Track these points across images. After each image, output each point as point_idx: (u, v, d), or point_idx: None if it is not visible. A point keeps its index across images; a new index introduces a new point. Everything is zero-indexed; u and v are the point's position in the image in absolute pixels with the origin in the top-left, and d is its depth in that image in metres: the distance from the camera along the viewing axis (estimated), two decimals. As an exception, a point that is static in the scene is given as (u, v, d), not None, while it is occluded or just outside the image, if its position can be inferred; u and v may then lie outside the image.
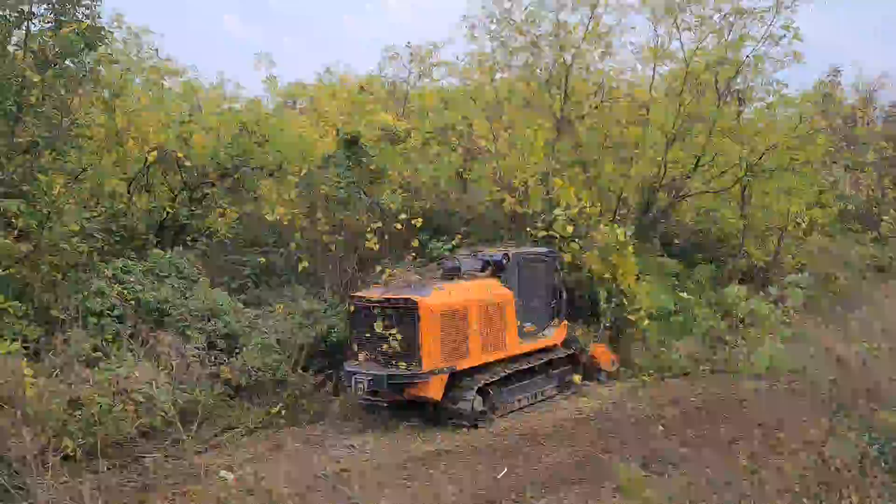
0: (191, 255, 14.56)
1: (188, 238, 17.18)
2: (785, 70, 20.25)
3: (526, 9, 18.76)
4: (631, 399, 13.76)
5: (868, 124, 36.55)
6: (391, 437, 11.65)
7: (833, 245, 25.54)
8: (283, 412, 12.33)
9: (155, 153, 15.38)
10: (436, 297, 11.79)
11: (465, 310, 12.09)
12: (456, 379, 12.03)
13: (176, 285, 13.82)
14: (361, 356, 12.14)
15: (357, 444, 11.23)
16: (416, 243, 15.24)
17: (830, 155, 29.73)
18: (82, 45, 12.89)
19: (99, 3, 13.73)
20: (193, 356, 12.30)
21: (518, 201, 17.46)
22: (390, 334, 11.67)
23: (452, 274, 13.04)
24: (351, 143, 15.14)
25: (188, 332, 12.75)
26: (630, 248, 18.48)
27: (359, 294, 12.66)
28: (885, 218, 32.25)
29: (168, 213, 17.30)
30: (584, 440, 11.17)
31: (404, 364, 11.63)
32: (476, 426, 11.91)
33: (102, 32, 14.38)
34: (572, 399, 13.98)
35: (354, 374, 11.84)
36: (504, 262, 13.37)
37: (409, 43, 23.40)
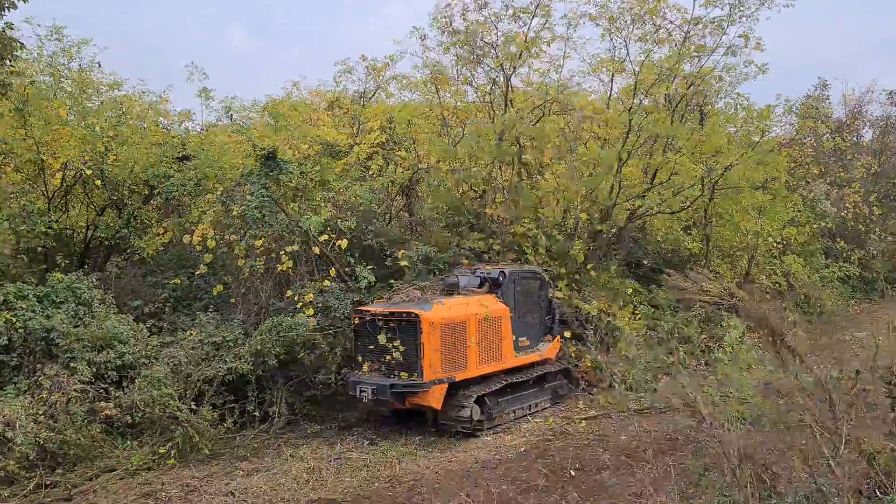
0: (92, 279, 13.56)
1: (120, 259, 16.32)
2: (775, 88, 19.55)
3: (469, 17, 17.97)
4: (560, 437, 12.69)
5: (857, 139, 35.55)
6: (282, 480, 10.65)
7: (803, 267, 24.34)
8: (173, 452, 11.47)
9: (61, 171, 14.45)
10: (436, 311, 12.49)
11: (464, 323, 12.76)
12: (455, 389, 12.63)
13: (73, 312, 12.89)
14: (365, 366, 12.72)
15: (238, 492, 10.23)
16: (332, 272, 14.33)
17: (808, 171, 28.82)
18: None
19: (5, 13, 13.00)
20: (76, 391, 11.41)
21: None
22: (393, 346, 12.24)
23: (452, 289, 13.71)
24: (267, 159, 14.19)
25: (73, 364, 11.79)
26: (589, 268, 17.79)
27: (364, 308, 13.19)
28: (872, 236, 31.16)
29: (91, 233, 16.45)
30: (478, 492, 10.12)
31: (406, 374, 12.25)
32: (474, 434, 12.59)
33: (13, 44, 13.71)
34: (497, 436, 12.94)
35: (359, 383, 12.42)
36: (500, 278, 14.05)
37: (363, 56, 22.48)
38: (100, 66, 18.97)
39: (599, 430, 12.97)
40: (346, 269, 14.90)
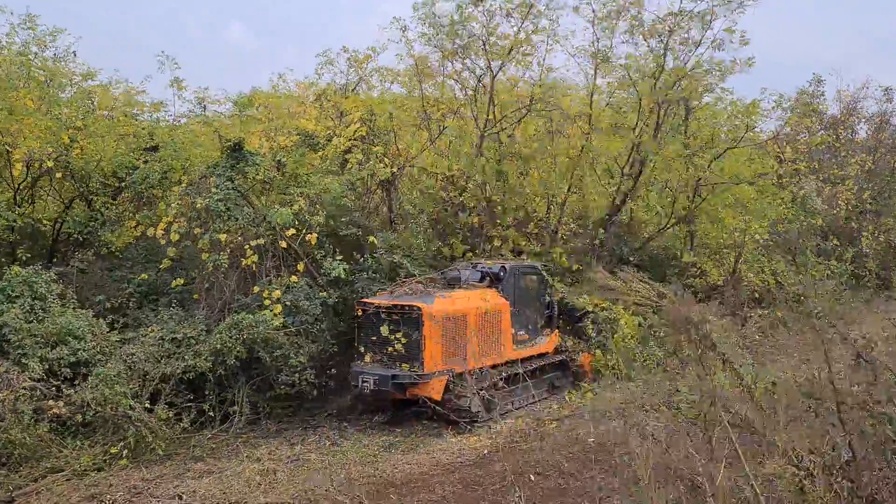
0: (51, 273, 13.19)
1: (88, 253, 15.92)
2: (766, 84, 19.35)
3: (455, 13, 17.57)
4: (527, 439, 12.31)
5: (852, 136, 35.05)
6: (234, 482, 10.30)
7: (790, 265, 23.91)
8: (125, 452, 11.13)
9: (21, 162, 14.09)
10: (438, 304, 12.76)
11: (465, 317, 13.04)
12: (455, 381, 12.75)
13: (28, 306, 12.53)
14: (368, 357, 12.85)
15: (186, 495, 9.89)
16: (300, 266, 13.97)
17: (796, 168, 28.35)
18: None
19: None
20: (24, 388, 11.06)
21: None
22: (395, 338, 12.38)
23: (454, 283, 14.09)
24: (233, 151, 13.81)
25: (24, 360, 11.44)
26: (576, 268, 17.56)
27: (367, 300, 13.37)
28: (864, 234, 30.71)
29: (59, 226, 16.12)
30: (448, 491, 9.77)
31: (407, 365, 12.44)
32: (474, 425, 12.74)
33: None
34: (462, 438, 12.58)
35: (361, 373, 12.59)
36: (501, 273, 14.32)
37: (345, 47, 22.04)
38: (75, 55, 18.67)
39: (570, 431, 12.61)
40: (315, 263, 14.51)
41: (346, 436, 12.69)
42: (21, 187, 15.80)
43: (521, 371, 13.57)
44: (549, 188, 17.62)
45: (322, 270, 14.18)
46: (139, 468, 10.90)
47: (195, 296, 13.67)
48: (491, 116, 17.24)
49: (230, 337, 12.56)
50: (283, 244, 13.88)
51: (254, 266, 13.65)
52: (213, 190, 13.54)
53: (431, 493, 9.62)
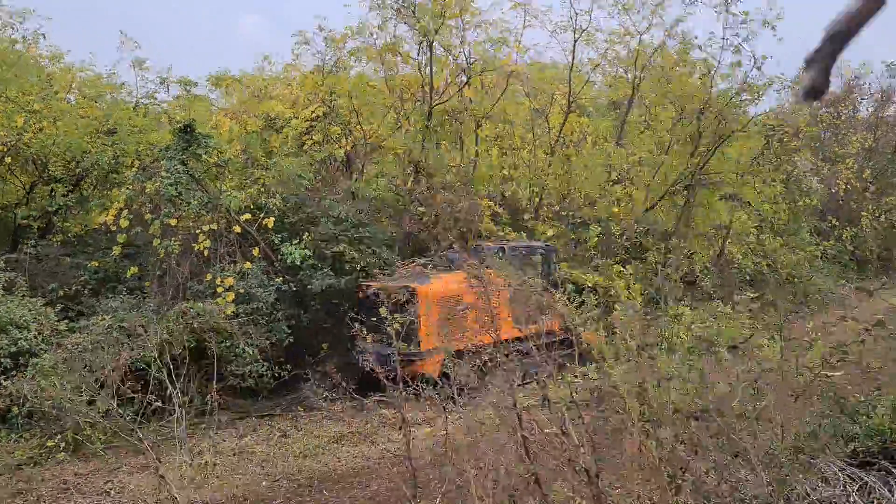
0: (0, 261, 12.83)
1: (43, 241, 15.57)
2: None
3: None
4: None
5: (853, 113, 34.11)
6: (168, 477, 9.90)
7: (782, 246, 23.28)
8: (62, 445, 10.78)
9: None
10: (433, 286, 13.23)
11: (460, 296, 13.26)
12: (452, 358, 12.04)
13: (-27, 295, 12.19)
14: (370, 338, 12.58)
15: (115, 491, 9.53)
16: (256, 252, 13.51)
17: (793, 146, 27.59)
18: None
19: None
20: (-42, 380, 10.73)
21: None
22: (393, 318, 12.11)
23: (452, 265, 14.36)
24: (184, 133, 13.33)
25: (-38, 351, 11.11)
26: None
27: (367, 283, 13.75)
28: (863, 213, 29.94)
29: (20, 212, 15.75)
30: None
31: (405, 344, 12.19)
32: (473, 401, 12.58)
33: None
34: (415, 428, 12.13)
35: (362, 352, 12.20)
36: (500, 254, 14.23)
37: (320, 27, 21.45)
38: (44, 37, 18.25)
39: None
40: (274, 249, 14.05)
41: (300, 426, 12.29)
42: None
43: (522, 349, 13.48)
44: (534, 171, 17.01)
45: (279, 256, 13.72)
46: (76, 462, 10.55)
47: (147, 283, 13.25)
48: (434, 87, 16.63)
49: (177, 326, 12.15)
50: (237, 229, 13.42)
51: (207, 252, 13.20)
52: (164, 174, 13.08)
53: (366, 488, 9.20)
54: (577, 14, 18.42)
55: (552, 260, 15.79)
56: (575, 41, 18.80)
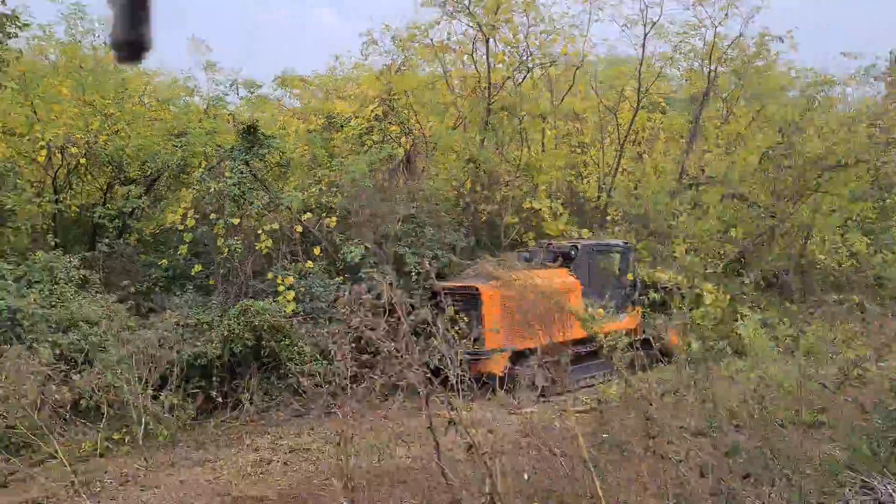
0: (73, 259, 13.31)
1: (119, 239, 16.12)
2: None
3: None
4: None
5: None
6: (221, 473, 10.05)
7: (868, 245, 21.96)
8: (127, 439, 11.10)
9: (45, 149, 14.30)
10: (497, 285, 13.38)
11: (525, 296, 13.32)
12: (520, 357, 13.33)
13: (48, 291, 12.68)
14: (436, 336, 12.80)
15: (166, 485, 9.69)
16: (317, 250, 13.61)
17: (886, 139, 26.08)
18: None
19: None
20: (31, 373, 11.15)
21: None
22: (459, 317, 12.31)
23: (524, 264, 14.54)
24: (247, 133, 13.55)
25: (35, 346, 11.54)
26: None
27: (434, 282, 13.33)
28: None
29: (99, 212, 16.34)
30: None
31: (471, 344, 12.60)
32: (540, 398, 13.08)
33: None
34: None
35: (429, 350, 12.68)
36: (572, 253, 14.70)
37: (387, 25, 21.52)
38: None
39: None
40: (335, 248, 14.13)
41: (366, 423, 12.26)
42: (57, 175, 16.10)
43: (594, 349, 13.35)
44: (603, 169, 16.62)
45: (340, 255, 13.79)
46: (139, 455, 10.81)
47: (211, 281, 13.53)
48: (490, 83, 16.36)
49: (238, 324, 12.34)
50: (299, 228, 13.56)
51: (269, 251, 13.38)
52: (228, 174, 13.33)
53: (416, 487, 9.08)
54: (647, 6, 17.87)
55: (630, 259, 15.74)
56: (645, 35, 18.26)
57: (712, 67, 20.03)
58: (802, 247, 20.18)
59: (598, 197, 20.50)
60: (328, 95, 19.63)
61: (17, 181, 14.57)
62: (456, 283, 13.72)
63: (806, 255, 20.18)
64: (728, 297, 16.74)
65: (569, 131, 21.50)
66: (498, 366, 13.00)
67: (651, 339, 14.67)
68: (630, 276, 15.61)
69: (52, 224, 16.06)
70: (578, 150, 21.52)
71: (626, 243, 16.21)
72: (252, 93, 15.77)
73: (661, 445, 4.74)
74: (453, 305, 12.57)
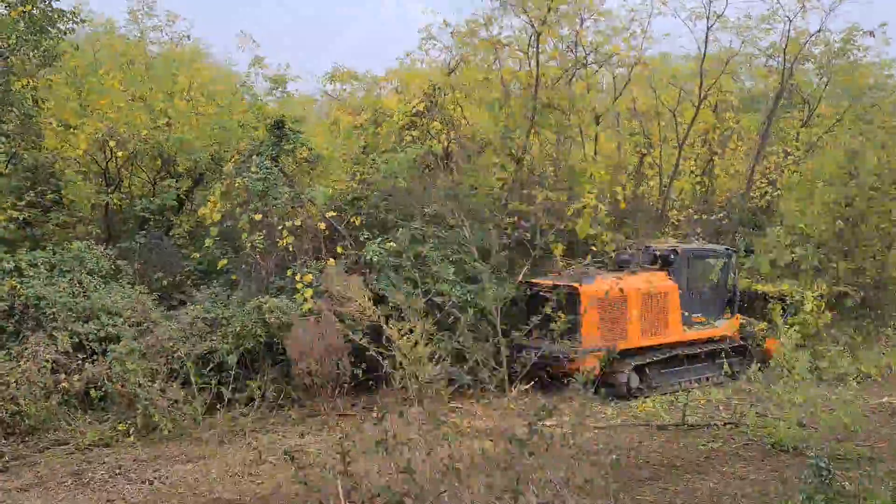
0: (102, 249, 13.58)
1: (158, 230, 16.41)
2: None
3: None
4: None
5: None
6: (212, 470, 9.91)
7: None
8: (132, 430, 11.16)
9: (85, 143, 14.67)
10: (596, 285, 13.52)
11: (624, 297, 13.58)
12: (615, 358, 13.04)
13: (77, 281, 12.95)
14: (534, 333, 12.84)
15: (158, 480, 9.62)
16: (340, 249, 13.35)
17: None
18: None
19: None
20: (46, 360, 11.39)
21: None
22: (556, 316, 12.17)
23: (622, 266, 14.81)
24: (276, 129, 13.46)
25: (55, 333, 11.80)
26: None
27: (534, 280, 14.21)
28: None
29: (146, 205, 16.70)
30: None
31: (567, 342, 12.75)
32: (632, 399, 13.33)
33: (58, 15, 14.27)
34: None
35: (524, 347, 12.67)
36: (671, 256, 14.70)
37: (445, 21, 21.11)
38: (189, 38, 19.54)
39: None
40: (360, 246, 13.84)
41: (364, 428, 11.92)
42: (108, 168, 16.54)
43: (692, 352, 14.23)
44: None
45: (363, 253, 13.49)
46: (142, 447, 10.84)
47: (233, 276, 13.52)
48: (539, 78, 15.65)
49: (252, 320, 12.24)
50: (322, 225, 13.34)
51: (292, 248, 13.22)
52: (254, 169, 13.27)
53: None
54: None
55: (731, 265, 15.53)
56: (708, 28, 17.15)
57: (788, 65, 18.62)
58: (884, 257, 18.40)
59: (662, 200, 19.52)
60: (378, 90, 19.41)
61: (70, 174, 15.04)
62: (555, 281, 13.73)
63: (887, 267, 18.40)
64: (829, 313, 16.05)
65: (632, 131, 20.57)
66: (593, 365, 12.49)
67: (748, 346, 15.22)
68: (730, 282, 15.45)
69: (104, 216, 16.51)
70: (642, 151, 20.53)
71: (727, 248, 15.94)
72: (282, 89, 15.71)
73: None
74: (551, 303, 12.54)
